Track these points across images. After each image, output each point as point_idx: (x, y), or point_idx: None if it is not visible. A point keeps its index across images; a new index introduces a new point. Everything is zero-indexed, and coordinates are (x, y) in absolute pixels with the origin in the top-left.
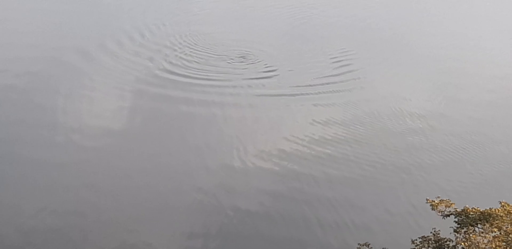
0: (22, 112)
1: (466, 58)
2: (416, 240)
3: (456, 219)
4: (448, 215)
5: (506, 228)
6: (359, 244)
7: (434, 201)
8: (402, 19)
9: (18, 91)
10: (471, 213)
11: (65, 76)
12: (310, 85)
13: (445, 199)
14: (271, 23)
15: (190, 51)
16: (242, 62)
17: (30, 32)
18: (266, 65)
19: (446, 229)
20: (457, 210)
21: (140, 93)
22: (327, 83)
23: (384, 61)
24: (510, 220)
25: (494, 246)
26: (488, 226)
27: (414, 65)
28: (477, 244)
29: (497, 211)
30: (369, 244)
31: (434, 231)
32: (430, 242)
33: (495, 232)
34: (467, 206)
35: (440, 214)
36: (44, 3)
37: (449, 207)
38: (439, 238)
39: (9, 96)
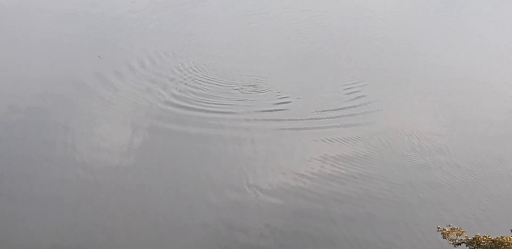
0: (27, 148)
1: (478, 85)
2: None
3: (467, 248)
4: (460, 244)
5: None
6: None
7: (445, 229)
8: (410, 43)
9: (24, 127)
10: (483, 241)
11: (68, 110)
12: (323, 118)
13: (456, 227)
14: (279, 51)
15: (200, 82)
16: (252, 91)
17: (30, 66)
18: (279, 96)
19: None
20: (469, 238)
21: (146, 127)
22: (341, 116)
23: (394, 90)
24: None
25: None
26: None
27: (423, 93)
28: None
29: (508, 239)
30: None
31: None
32: None
33: None
34: (478, 234)
35: (452, 242)
36: (44, 34)
37: (460, 235)
38: None
39: (14, 132)
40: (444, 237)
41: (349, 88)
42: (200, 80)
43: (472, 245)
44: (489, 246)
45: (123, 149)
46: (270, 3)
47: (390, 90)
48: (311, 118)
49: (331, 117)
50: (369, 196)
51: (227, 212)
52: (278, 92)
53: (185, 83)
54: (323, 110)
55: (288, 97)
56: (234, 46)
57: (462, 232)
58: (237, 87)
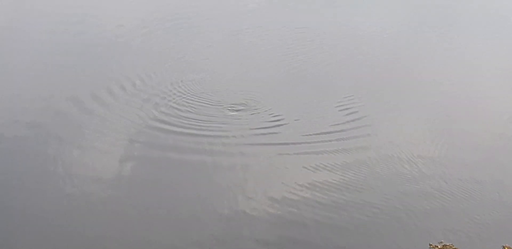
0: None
1: (473, 100)
2: None
3: None
4: None
5: None
6: None
7: (437, 247)
8: (405, 61)
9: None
10: None
11: (61, 128)
12: (315, 142)
13: (448, 244)
14: (268, 69)
15: (192, 101)
16: (244, 110)
17: (22, 84)
18: (272, 114)
19: None
20: None
21: (137, 146)
22: (333, 140)
23: (387, 106)
24: None
25: None
26: None
27: (417, 109)
28: None
29: None
30: None
31: None
32: None
33: None
34: None
35: None
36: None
37: None
38: None
39: (10, 147)
40: None
41: (345, 109)
42: (189, 99)
43: None
44: None
45: (114, 165)
46: (262, 21)
47: (385, 109)
48: (302, 142)
49: (323, 141)
50: (359, 209)
51: (217, 227)
52: (271, 112)
53: (173, 103)
54: (316, 134)
55: (281, 116)
56: (227, 65)
57: None
58: (228, 107)
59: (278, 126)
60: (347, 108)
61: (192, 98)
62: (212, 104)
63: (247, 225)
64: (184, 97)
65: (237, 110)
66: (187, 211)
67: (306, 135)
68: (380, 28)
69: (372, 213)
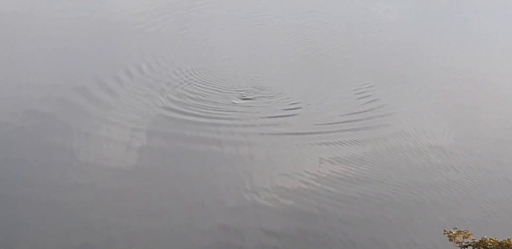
0: (26, 152)
1: (484, 87)
2: None
3: None
4: (466, 246)
5: None
6: None
7: (452, 232)
8: (417, 46)
9: (26, 130)
10: (489, 243)
11: (70, 116)
12: (337, 123)
13: (462, 230)
14: (284, 55)
15: (204, 88)
16: (260, 96)
17: (33, 71)
18: (289, 101)
19: None
20: (475, 241)
21: (149, 133)
22: (354, 121)
23: (403, 96)
24: None
25: None
26: None
27: (431, 100)
28: None
29: None
30: None
31: None
32: None
33: None
34: (485, 236)
35: (458, 245)
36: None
37: (467, 238)
38: None
39: (18, 137)
40: (450, 240)
41: (360, 93)
42: (198, 85)
43: (479, 248)
44: (495, 248)
45: (122, 154)
46: (276, 6)
47: (399, 94)
48: (314, 132)
49: (335, 131)
50: (368, 200)
51: (225, 217)
52: (288, 98)
53: (189, 87)
54: (329, 123)
55: (298, 103)
56: (239, 52)
57: (469, 235)
58: (242, 92)
59: (291, 115)
60: (363, 97)
61: (210, 85)
62: (222, 91)
63: (254, 215)
64: (195, 83)
65: (250, 98)
66: (195, 199)
67: (318, 124)
68: (396, 14)
69: (382, 203)
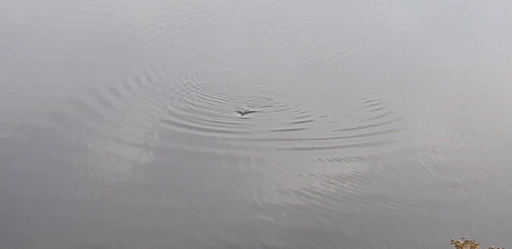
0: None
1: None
2: None
3: None
4: None
5: None
6: None
7: (459, 242)
8: (425, 57)
9: (25, 145)
10: None
11: (74, 131)
12: (341, 137)
13: (470, 240)
14: (289, 63)
15: (206, 98)
16: (267, 106)
17: (41, 75)
18: (298, 112)
19: None
20: None
21: (152, 148)
22: (365, 135)
23: (412, 102)
24: None
25: None
26: None
27: (440, 106)
28: None
29: None
30: None
31: None
32: None
33: None
34: (492, 247)
35: None
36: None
37: (474, 248)
38: None
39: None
40: None
41: (371, 105)
42: (207, 95)
43: None
44: None
45: (130, 168)
46: (284, 15)
47: (412, 107)
48: (327, 138)
49: (348, 137)
50: (369, 215)
51: (224, 232)
52: (297, 110)
53: (192, 99)
54: (341, 130)
55: (304, 113)
56: (246, 60)
57: (476, 245)
58: (250, 101)
59: (300, 129)
60: (372, 105)
61: (217, 91)
62: (227, 101)
63: (256, 231)
64: (207, 91)
65: (257, 107)
66: (203, 204)
67: (327, 138)
68: (402, 20)
69: (388, 207)
